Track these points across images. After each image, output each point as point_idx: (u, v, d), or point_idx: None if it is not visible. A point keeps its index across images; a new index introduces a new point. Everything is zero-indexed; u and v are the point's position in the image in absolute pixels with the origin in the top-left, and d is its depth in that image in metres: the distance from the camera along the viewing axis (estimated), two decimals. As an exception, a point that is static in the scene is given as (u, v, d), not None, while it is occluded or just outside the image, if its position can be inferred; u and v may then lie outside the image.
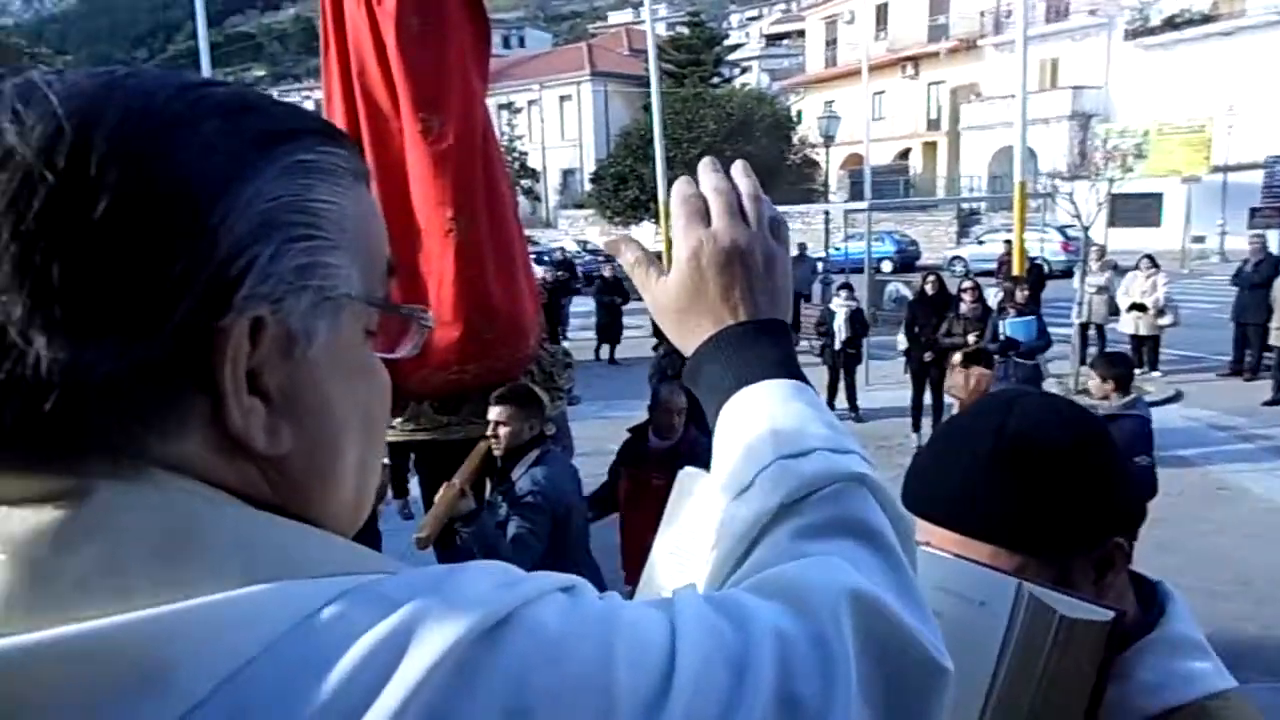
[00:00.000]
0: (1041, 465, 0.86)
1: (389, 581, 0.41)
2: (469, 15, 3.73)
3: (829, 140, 20.18)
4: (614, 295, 13.40)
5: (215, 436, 0.43)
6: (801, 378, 0.66)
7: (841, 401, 9.41)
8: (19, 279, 0.38)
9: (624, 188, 24.83)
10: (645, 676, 0.42)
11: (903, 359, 9.15)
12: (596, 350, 13.79)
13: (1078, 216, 10.99)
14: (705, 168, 0.72)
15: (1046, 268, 15.99)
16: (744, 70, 52.00)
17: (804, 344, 11.07)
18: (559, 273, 15.56)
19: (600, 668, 0.41)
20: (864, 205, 13.99)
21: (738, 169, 0.72)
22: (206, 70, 16.37)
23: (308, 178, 0.46)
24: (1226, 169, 24.66)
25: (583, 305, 16.88)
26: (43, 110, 0.40)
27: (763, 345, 0.66)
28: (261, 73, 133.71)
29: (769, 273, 0.68)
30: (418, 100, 3.54)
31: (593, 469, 4.53)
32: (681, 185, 0.70)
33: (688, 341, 0.68)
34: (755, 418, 0.62)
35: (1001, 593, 0.78)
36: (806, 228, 26.83)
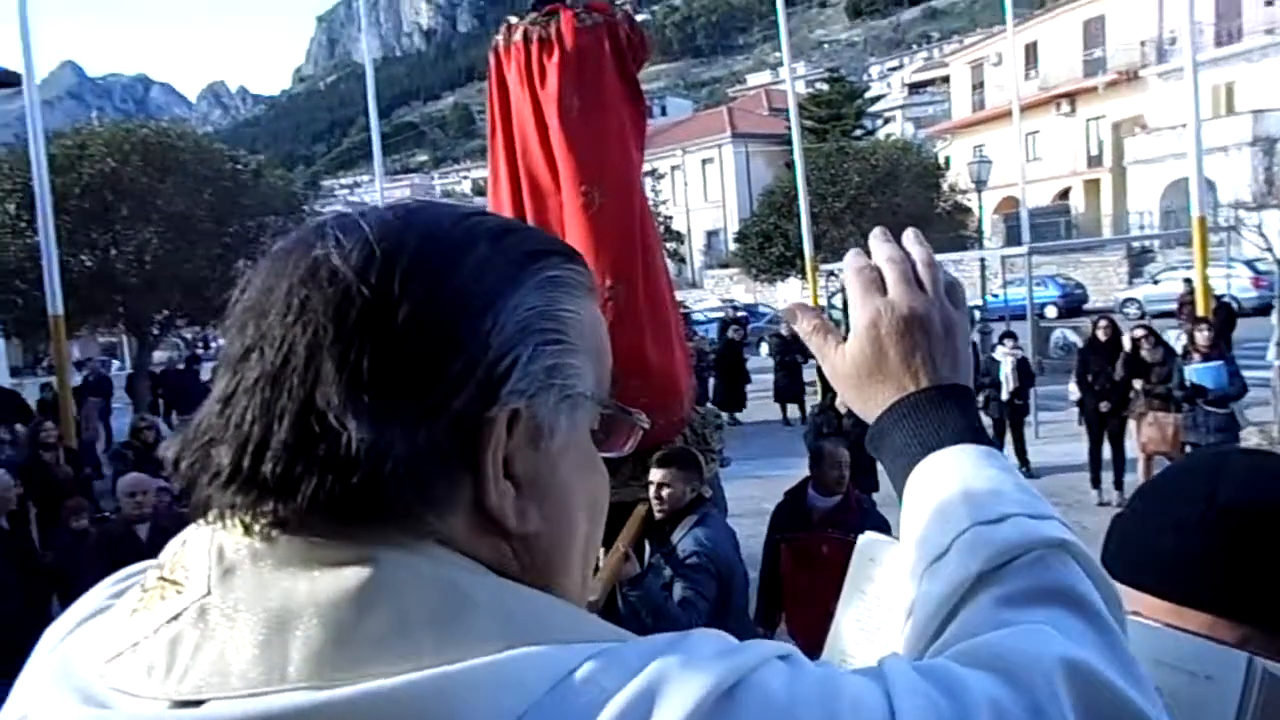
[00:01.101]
0: (1263, 530, 0.81)
1: (629, 648, 0.45)
2: (625, 93, 3.91)
3: (980, 185, 19.53)
4: (795, 354, 12.74)
5: (475, 515, 0.49)
6: (989, 443, 0.66)
7: (1009, 456, 8.94)
8: (338, 373, 0.46)
9: (769, 245, 24.86)
10: None
11: (1075, 410, 8.61)
12: (784, 411, 13.50)
13: (1269, 249, 10.10)
14: (876, 238, 0.73)
15: (1236, 306, 14.71)
16: (887, 121, 51.33)
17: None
18: (735, 330, 15.11)
19: None
20: (1022, 250, 13.43)
21: (909, 237, 0.73)
22: (378, 157, 17.77)
23: (555, 290, 0.53)
24: None
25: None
26: (358, 238, 0.49)
27: (948, 411, 0.66)
28: (424, 157, 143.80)
29: (949, 338, 0.68)
30: (579, 175, 3.71)
31: (747, 529, 4.49)
32: (855, 257, 0.72)
33: (869, 408, 0.69)
34: (947, 483, 0.62)
35: (1229, 667, 0.73)
36: (961, 275, 25.84)
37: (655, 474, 3.43)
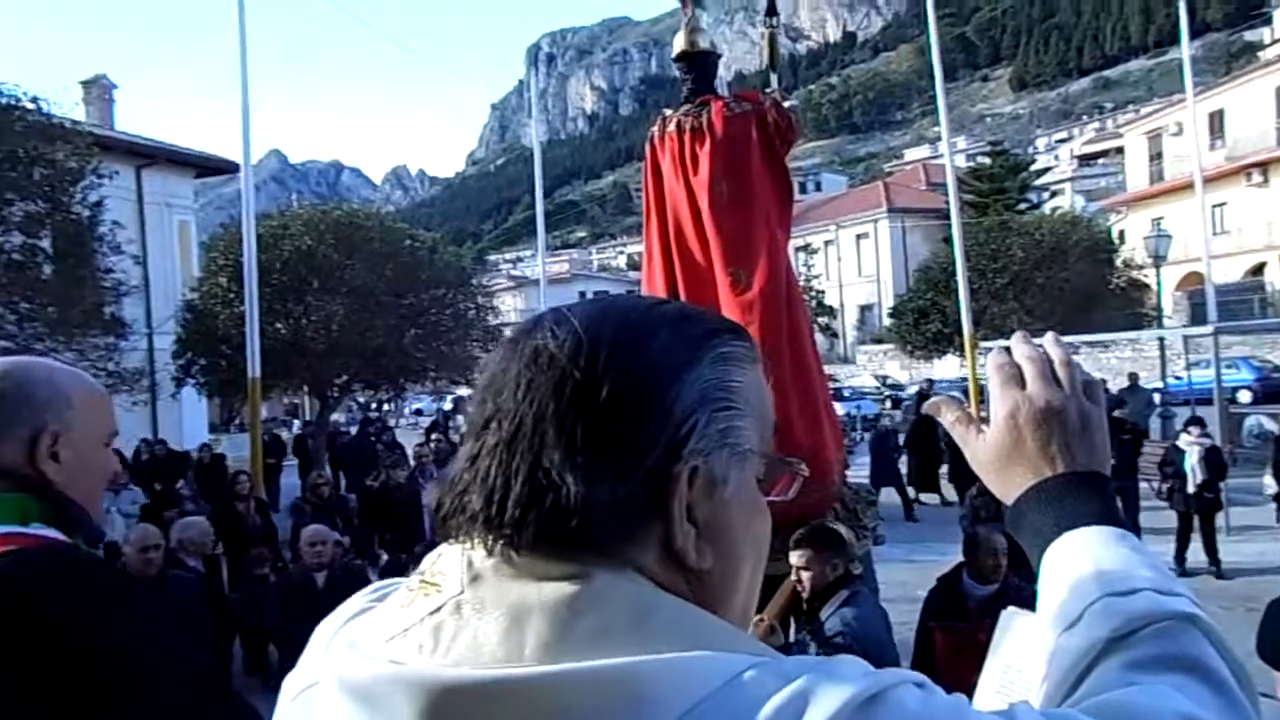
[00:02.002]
0: None
1: (786, 661, 0.55)
2: (772, 177, 4.05)
3: (1159, 260, 18.35)
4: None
5: (664, 551, 0.59)
6: (1124, 526, 0.71)
7: (1197, 554, 8.18)
8: (558, 440, 0.58)
9: (925, 321, 24.13)
10: None
11: (1273, 505, 7.82)
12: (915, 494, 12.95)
13: None
14: (1018, 339, 0.82)
15: None
16: (1054, 194, 49.29)
17: (1144, 485, 9.86)
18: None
19: None
20: (1207, 329, 12.46)
21: (1049, 339, 0.81)
22: (541, 234, 18.73)
23: (726, 364, 0.63)
24: None
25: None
26: (568, 329, 0.61)
27: (1083, 495, 0.72)
28: (583, 233, 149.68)
29: (1085, 429, 0.75)
30: (727, 256, 3.86)
31: (898, 615, 4.35)
32: (997, 355, 0.81)
33: (1008, 491, 0.76)
34: (1080, 559, 0.68)
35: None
36: (1138, 355, 24.17)
37: (794, 556, 3.42)
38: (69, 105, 12.00)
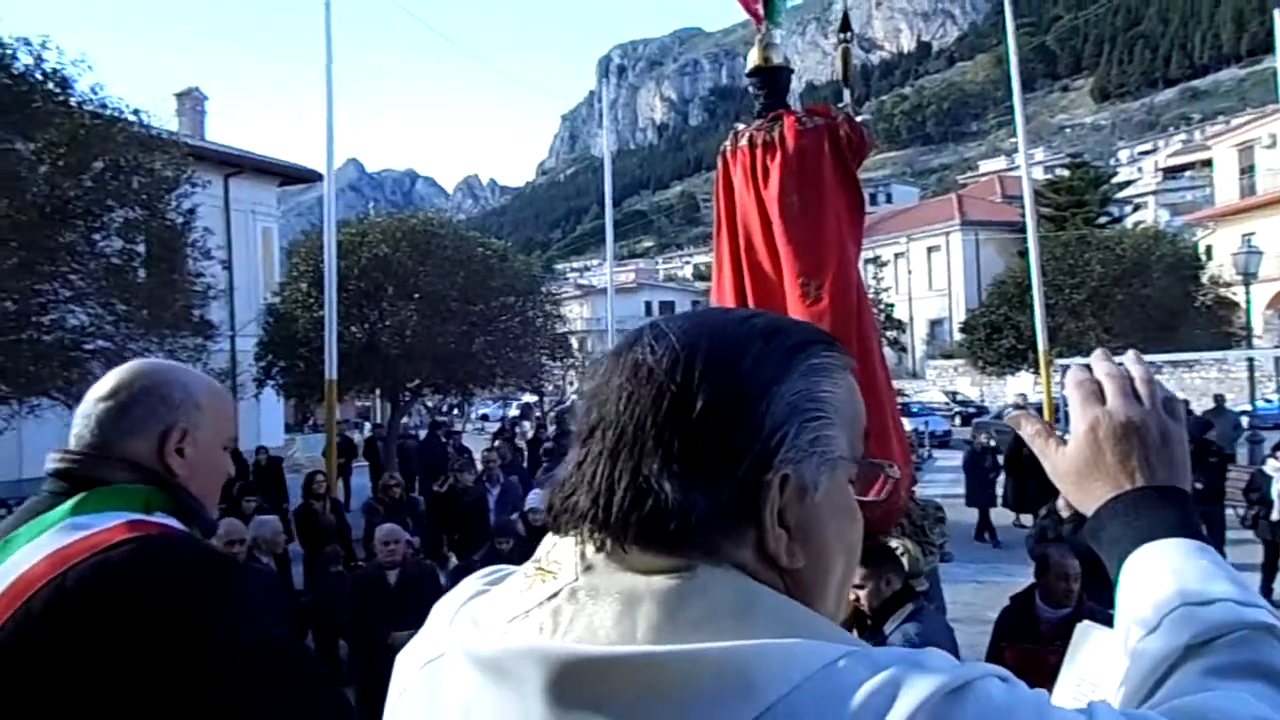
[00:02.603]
0: None
1: (877, 651, 0.59)
2: (844, 190, 4.05)
3: (1249, 277, 17.60)
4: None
5: (757, 552, 0.64)
6: (1203, 539, 0.73)
7: (1282, 584, 7.82)
8: (656, 449, 0.62)
9: (998, 337, 23.57)
10: None
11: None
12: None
13: None
14: (1098, 356, 0.84)
15: None
16: (1137, 208, 47.70)
17: (1230, 511, 9.48)
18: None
19: None
20: (1301, 350, 11.88)
21: (1130, 357, 0.83)
22: (610, 244, 18.92)
23: (816, 376, 0.67)
24: None
25: (948, 459, 16.04)
26: (666, 344, 0.65)
27: (1163, 508, 0.74)
28: (650, 243, 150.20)
29: (1165, 445, 0.76)
30: (797, 268, 3.88)
31: (965, 638, 4.28)
32: (1076, 371, 0.83)
33: (1088, 503, 0.78)
34: (1159, 570, 0.70)
35: None
36: (1225, 376, 23.24)
37: (849, 574, 3.41)
38: (166, 116, 12.65)
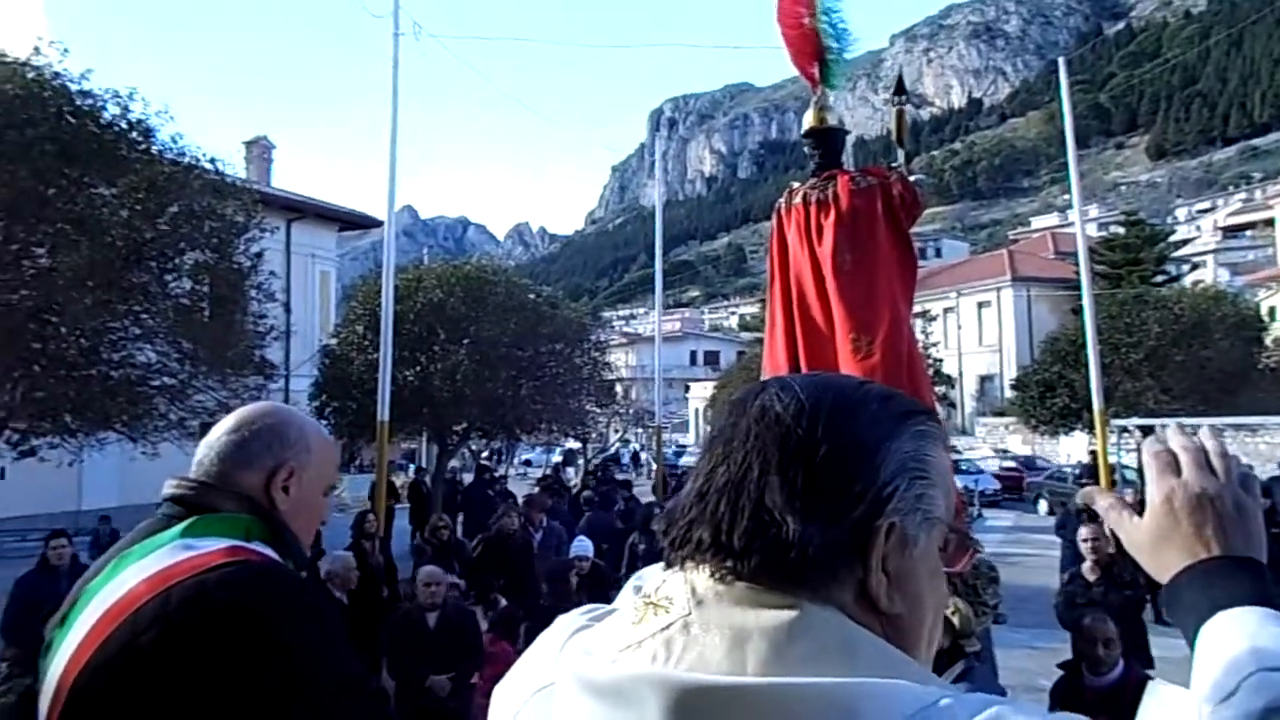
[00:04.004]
0: None
1: (974, 696, 0.63)
2: (896, 247, 4.11)
3: (1315, 341, 17.09)
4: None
5: (859, 595, 0.68)
6: (1277, 608, 0.75)
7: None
8: (781, 485, 0.68)
9: (1051, 395, 23.11)
10: None
11: None
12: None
13: None
14: (1173, 429, 0.88)
15: None
16: (1195, 267, 46.72)
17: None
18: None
19: None
20: (1372, 417, 11.49)
21: (1204, 431, 0.87)
22: (659, 293, 19.04)
23: (923, 440, 0.73)
24: None
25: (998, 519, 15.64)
26: (791, 395, 0.72)
27: (1238, 576, 0.76)
28: (696, 293, 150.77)
29: (1240, 517, 0.79)
30: (850, 324, 3.93)
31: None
32: (1152, 443, 0.86)
33: (1163, 572, 0.80)
34: (1235, 636, 0.72)
35: None
36: (1292, 442, 22.40)
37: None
38: (236, 163, 13.21)
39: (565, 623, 0.78)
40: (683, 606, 0.68)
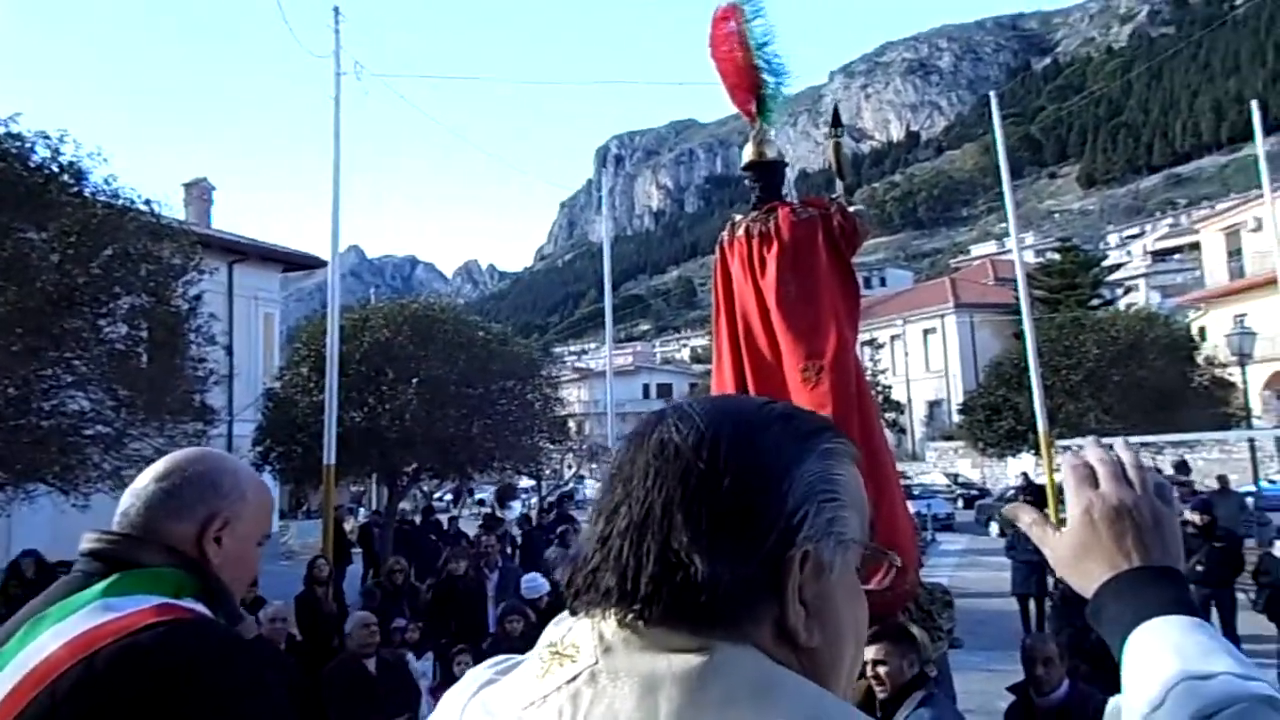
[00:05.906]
0: None
1: None
2: (838, 278, 4.15)
3: (1245, 358, 17.75)
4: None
5: (776, 630, 0.65)
6: (1199, 615, 0.75)
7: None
8: (685, 524, 0.64)
9: (997, 418, 23.59)
10: None
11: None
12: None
13: None
14: (1090, 444, 0.88)
15: None
16: (1128, 290, 48.35)
17: (1240, 595, 9.34)
18: None
19: None
20: (1300, 431, 11.91)
21: (1119, 443, 0.88)
22: (609, 328, 19.11)
23: (830, 459, 0.70)
24: None
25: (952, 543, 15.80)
26: (690, 424, 0.68)
27: (1159, 586, 0.77)
28: (647, 326, 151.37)
29: (1158, 527, 0.80)
30: (796, 353, 3.94)
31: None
32: (1070, 456, 0.87)
33: (1086, 585, 0.81)
34: (1159, 646, 0.73)
35: None
36: (1227, 457, 23.13)
37: (869, 651, 3.37)
38: (175, 205, 12.94)
39: (471, 678, 0.74)
40: (590, 655, 0.66)
